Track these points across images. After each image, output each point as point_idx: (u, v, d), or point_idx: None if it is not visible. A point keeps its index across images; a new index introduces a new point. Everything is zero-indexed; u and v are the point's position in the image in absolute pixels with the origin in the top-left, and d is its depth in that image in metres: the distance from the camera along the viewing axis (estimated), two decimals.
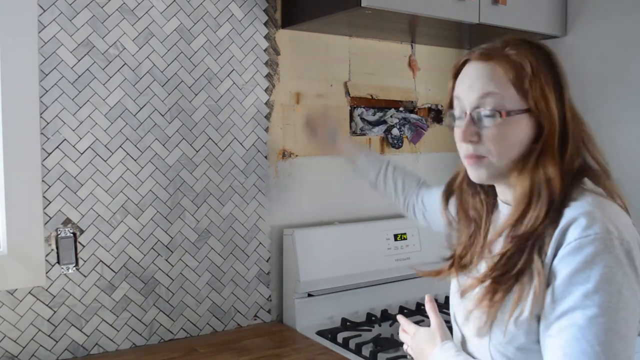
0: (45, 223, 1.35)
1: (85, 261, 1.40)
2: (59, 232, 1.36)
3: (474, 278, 0.86)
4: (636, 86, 1.63)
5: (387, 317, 1.67)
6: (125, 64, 1.43)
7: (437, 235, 1.36)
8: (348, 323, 1.62)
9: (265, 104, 1.65)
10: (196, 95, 1.54)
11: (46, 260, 1.35)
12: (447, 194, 1.02)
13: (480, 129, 0.84)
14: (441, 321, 0.98)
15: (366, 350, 1.42)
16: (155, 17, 1.47)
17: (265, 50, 1.64)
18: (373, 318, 1.66)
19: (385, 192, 1.39)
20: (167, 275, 1.51)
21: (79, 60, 1.37)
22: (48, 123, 1.34)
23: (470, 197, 0.95)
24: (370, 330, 1.58)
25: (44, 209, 1.34)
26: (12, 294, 1.31)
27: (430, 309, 1.01)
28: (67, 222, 1.38)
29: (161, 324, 1.51)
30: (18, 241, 1.30)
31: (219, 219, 1.59)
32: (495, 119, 0.82)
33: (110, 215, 1.43)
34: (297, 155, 1.72)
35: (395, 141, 1.91)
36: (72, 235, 1.38)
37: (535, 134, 0.83)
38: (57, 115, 1.35)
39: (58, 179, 1.36)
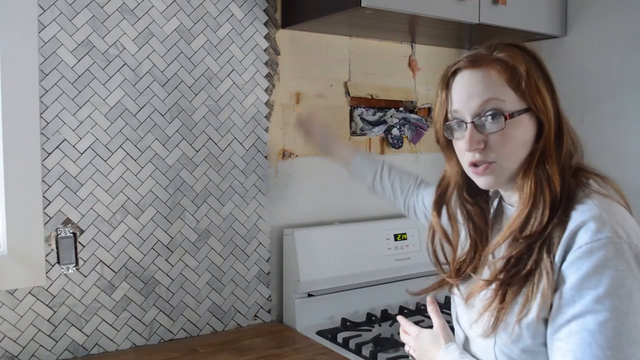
0: (45, 223, 1.35)
1: (85, 261, 1.40)
2: (59, 232, 1.36)
3: (481, 280, 0.86)
4: (636, 86, 1.62)
5: (387, 317, 1.67)
6: (125, 64, 1.43)
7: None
8: (348, 323, 1.62)
9: (265, 104, 1.65)
10: (196, 95, 1.54)
11: (46, 260, 1.35)
12: (439, 206, 0.99)
13: (486, 136, 0.83)
14: (444, 323, 0.98)
15: (366, 350, 1.42)
16: (155, 17, 1.47)
17: (265, 50, 1.64)
18: (373, 318, 1.66)
19: (384, 194, 1.38)
20: (167, 275, 1.51)
21: (79, 60, 1.37)
22: (48, 123, 1.34)
23: (470, 206, 0.94)
24: (370, 330, 1.58)
25: (44, 209, 1.34)
26: (12, 294, 1.31)
27: (432, 310, 1.00)
28: (67, 222, 1.38)
29: (161, 324, 1.51)
30: (18, 241, 1.30)
31: (219, 219, 1.59)
32: (499, 123, 0.82)
33: (110, 215, 1.43)
34: (297, 155, 1.72)
35: (395, 141, 1.91)
36: (72, 235, 1.38)
37: (536, 133, 0.84)
38: (57, 115, 1.35)
39: (58, 179, 1.36)
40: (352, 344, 1.46)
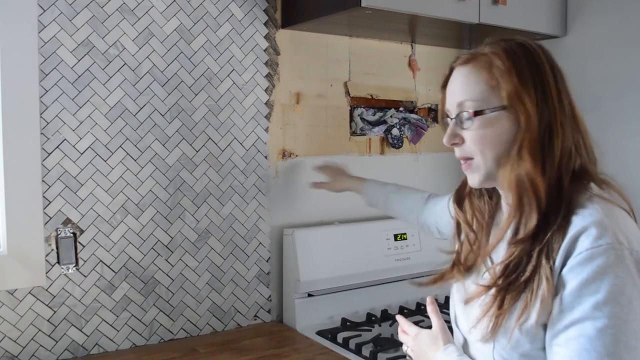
0: (45, 223, 1.35)
1: (85, 261, 1.40)
2: (59, 232, 1.36)
3: (480, 285, 0.85)
4: (636, 86, 1.62)
5: (387, 317, 1.67)
6: (125, 64, 1.43)
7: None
8: (348, 323, 1.62)
9: (265, 104, 1.65)
10: (196, 95, 1.54)
11: (46, 260, 1.35)
12: (459, 200, 1.01)
13: (462, 132, 0.86)
14: (443, 324, 0.98)
15: (366, 350, 1.42)
16: (155, 17, 1.47)
17: (265, 50, 1.64)
18: (373, 318, 1.66)
19: (398, 216, 1.44)
20: (167, 275, 1.51)
21: (79, 60, 1.37)
22: (48, 123, 1.34)
23: (476, 200, 0.96)
24: (370, 330, 1.58)
25: (44, 209, 1.34)
26: (12, 294, 1.31)
27: (432, 311, 1.00)
28: (67, 222, 1.38)
29: (161, 324, 1.51)
30: (18, 241, 1.30)
31: (219, 219, 1.59)
32: (471, 120, 0.84)
33: (110, 215, 1.43)
34: (297, 155, 1.72)
35: (395, 141, 1.91)
36: (72, 235, 1.38)
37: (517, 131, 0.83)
38: (57, 115, 1.35)
39: (58, 179, 1.36)
40: (352, 344, 1.46)
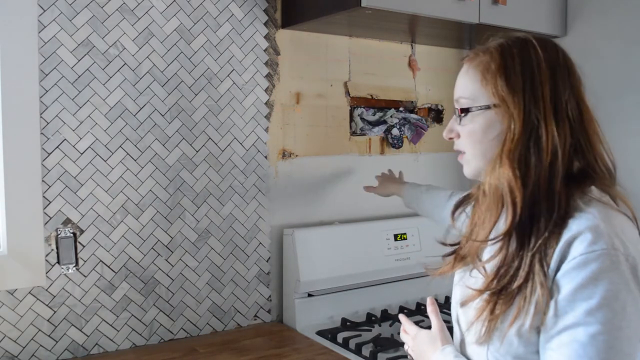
0: (45, 223, 1.35)
1: (85, 261, 1.40)
2: (59, 232, 1.36)
3: (474, 289, 0.85)
4: (636, 86, 1.62)
5: (387, 317, 1.67)
6: (125, 64, 1.43)
7: (438, 232, 1.36)
8: (348, 323, 1.62)
9: (265, 104, 1.65)
10: (196, 95, 1.54)
11: (46, 260, 1.35)
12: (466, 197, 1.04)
13: (458, 127, 0.89)
14: (442, 324, 0.98)
15: (366, 350, 1.42)
16: (155, 17, 1.47)
17: (265, 50, 1.64)
18: (373, 318, 1.66)
19: (427, 214, 1.48)
20: (167, 275, 1.51)
21: (79, 60, 1.37)
22: (48, 123, 1.34)
23: (477, 190, 0.97)
24: (370, 330, 1.58)
25: (44, 209, 1.34)
26: (12, 294, 1.31)
27: (431, 311, 1.00)
28: (67, 222, 1.38)
29: (161, 324, 1.51)
30: (18, 241, 1.30)
31: (219, 219, 1.59)
32: (463, 116, 0.87)
33: (110, 215, 1.43)
34: (297, 155, 1.72)
35: (395, 141, 1.91)
36: (72, 235, 1.38)
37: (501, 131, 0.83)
38: (57, 115, 1.35)
39: (58, 179, 1.36)
40: (352, 344, 1.46)
